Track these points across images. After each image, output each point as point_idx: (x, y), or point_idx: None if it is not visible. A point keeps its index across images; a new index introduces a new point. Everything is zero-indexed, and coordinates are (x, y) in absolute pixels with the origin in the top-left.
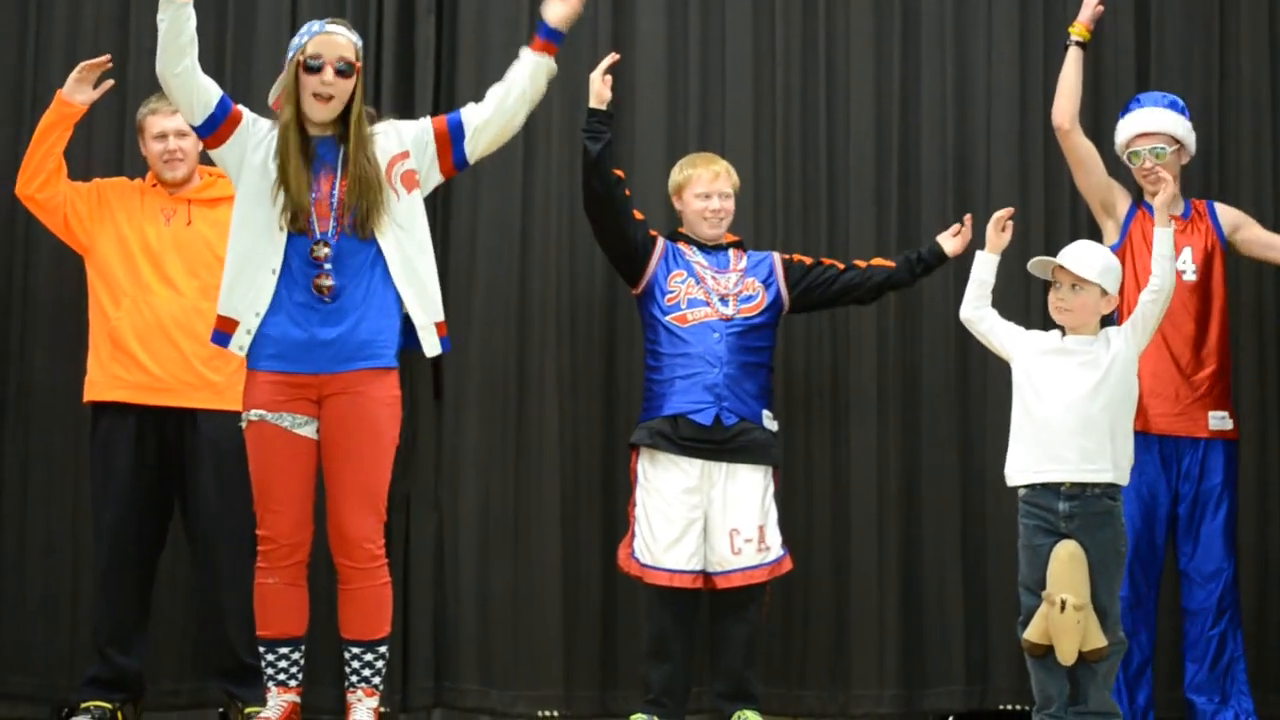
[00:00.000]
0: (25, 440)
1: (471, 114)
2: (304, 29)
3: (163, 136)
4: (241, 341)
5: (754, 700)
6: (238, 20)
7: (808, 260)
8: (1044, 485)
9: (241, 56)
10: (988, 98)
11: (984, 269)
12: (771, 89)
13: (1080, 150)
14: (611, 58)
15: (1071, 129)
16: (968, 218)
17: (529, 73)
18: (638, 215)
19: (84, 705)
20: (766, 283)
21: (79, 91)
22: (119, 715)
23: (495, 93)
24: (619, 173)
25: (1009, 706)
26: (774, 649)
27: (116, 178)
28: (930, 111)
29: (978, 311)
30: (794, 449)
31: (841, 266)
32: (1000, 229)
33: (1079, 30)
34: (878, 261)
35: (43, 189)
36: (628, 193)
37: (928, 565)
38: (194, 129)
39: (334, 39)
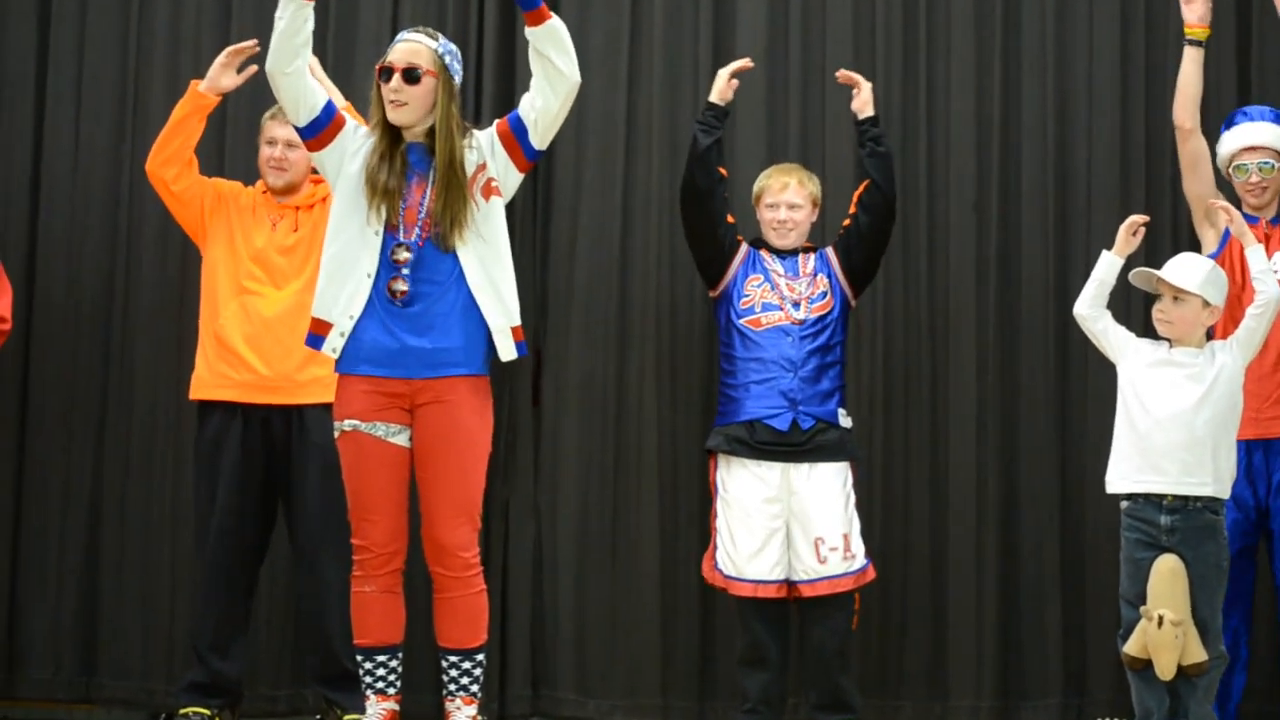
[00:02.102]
0: (125, 443)
1: (525, 107)
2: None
3: (273, 143)
4: (335, 344)
5: (851, 710)
6: (339, 25)
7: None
8: (1145, 498)
9: (343, 59)
10: (1088, 106)
11: (1107, 270)
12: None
13: (1197, 152)
14: (744, 63)
15: (1193, 129)
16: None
17: (539, 50)
18: (730, 219)
19: (182, 711)
20: (829, 276)
21: (224, 77)
22: None
23: (536, 75)
24: (723, 171)
25: (1108, 719)
26: (870, 658)
27: (232, 181)
28: (1031, 119)
29: (1093, 310)
30: (892, 454)
31: (848, 221)
32: (1132, 233)
33: (1194, 30)
34: (861, 189)
35: (177, 180)
36: (727, 195)
37: (1026, 575)
38: (298, 130)
39: (407, 46)
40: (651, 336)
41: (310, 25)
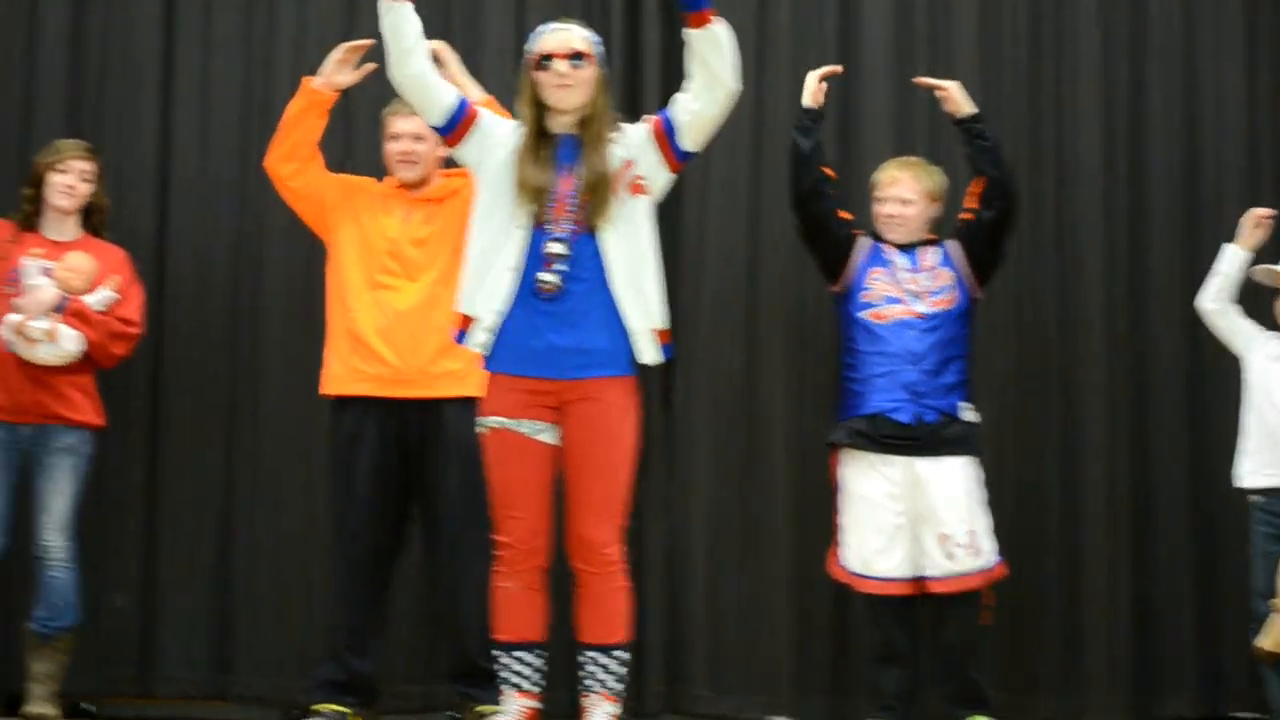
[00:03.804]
0: (257, 442)
1: (679, 109)
2: (534, 32)
3: (397, 137)
4: (480, 339)
5: (985, 705)
6: (465, 23)
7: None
8: (1275, 492)
9: (468, 59)
10: (1216, 101)
11: (1230, 263)
12: (999, 91)
13: None
14: (833, 68)
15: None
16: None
17: (698, 54)
18: (844, 215)
19: (315, 708)
20: (951, 269)
21: (339, 73)
22: (351, 718)
23: (693, 78)
24: (829, 171)
25: (1245, 714)
26: (1004, 654)
27: (362, 176)
28: (1158, 115)
29: (1218, 304)
30: (1023, 452)
31: (968, 215)
32: (1255, 225)
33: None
34: (972, 188)
35: (295, 176)
36: (834, 193)
37: (1160, 569)
38: (435, 129)
39: (562, 34)
40: (781, 334)
41: (412, 25)
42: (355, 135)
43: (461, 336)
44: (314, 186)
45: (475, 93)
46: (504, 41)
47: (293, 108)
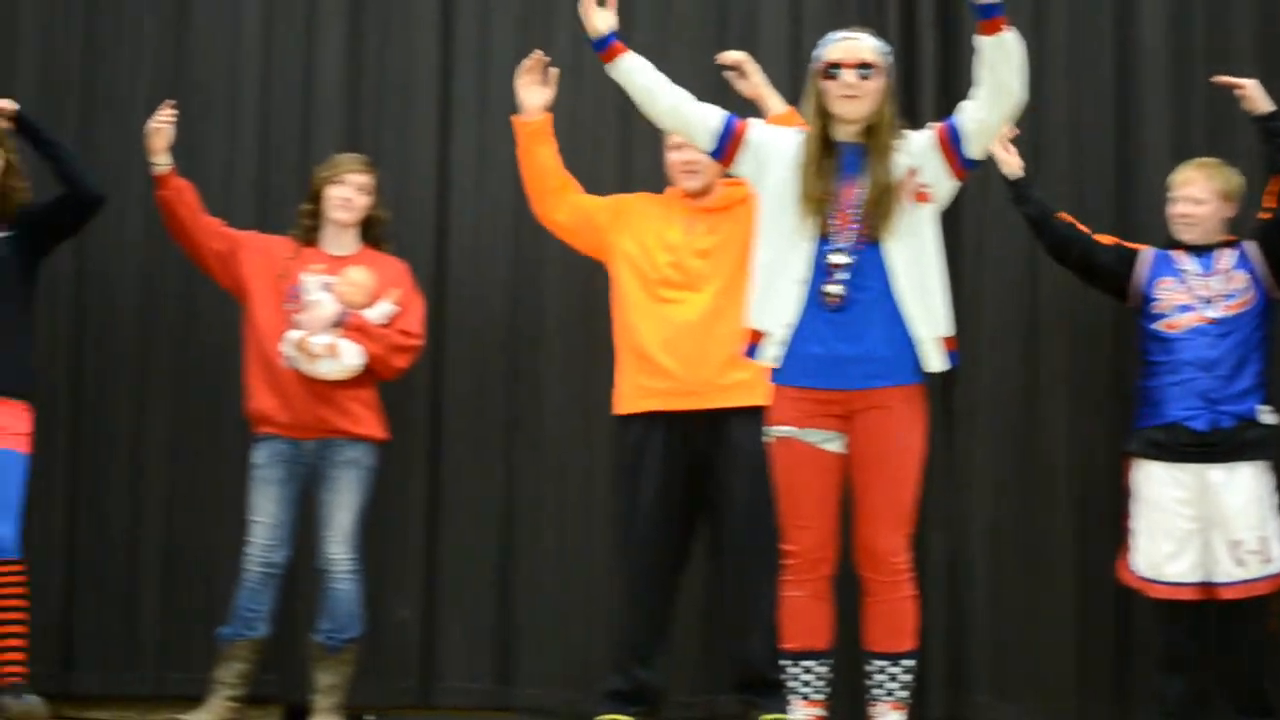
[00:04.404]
0: (539, 451)
1: (965, 117)
2: (823, 40)
3: (679, 147)
4: (772, 353)
5: (1272, 715)
6: (742, 31)
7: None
8: None
9: None
10: None
11: None
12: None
13: None
14: (1011, 131)
15: None
16: None
17: (988, 62)
18: (1104, 241)
19: (601, 718)
20: (1248, 271)
21: (530, 96)
22: None
23: (980, 86)
24: (1064, 217)
25: None
26: None
27: (641, 192)
28: None
29: None
30: None
31: (1266, 215)
32: None
33: None
34: (1271, 186)
35: (555, 211)
36: (1081, 233)
37: None
38: (708, 154)
39: (851, 43)
40: (1061, 341)
41: (640, 76)
42: (633, 148)
43: (752, 351)
44: (580, 214)
45: (776, 104)
46: (779, 50)
47: (518, 150)
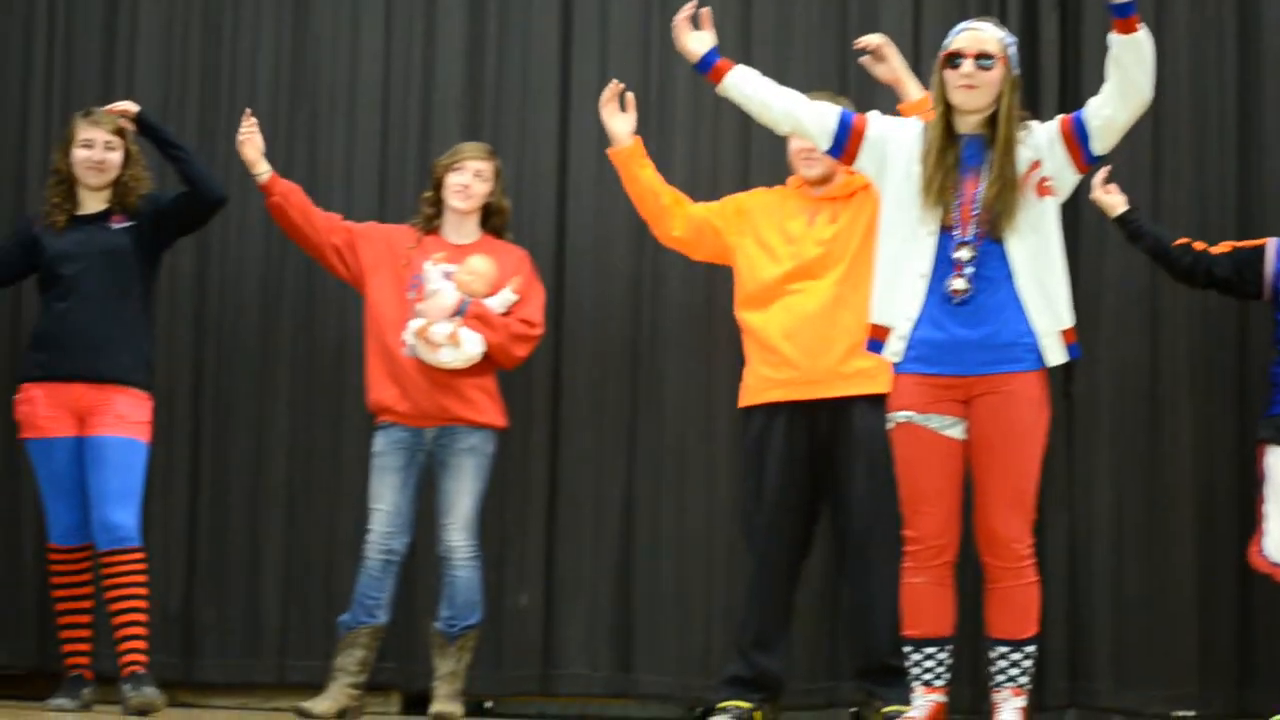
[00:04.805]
0: (659, 438)
1: (1091, 112)
2: (952, 30)
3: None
4: (895, 348)
5: None
6: (861, 20)
7: None
8: None
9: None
10: None
11: None
12: None
13: None
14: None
15: None
16: None
17: (1120, 60)
18: (1222, 248)
19: (721, 705)
20: None
21: (616, 124)
22: (756, 715)
23: (1110, 82)
24: (1183, 240)
25: None
26: None
27: (758, 188)
28: None
29: None
30: None
31: None
32: None
33: None
34: None
35: (674, 229)
36: (1199, 246)
37: None
38: (827, 153)
39: (974, 34)
40: (1184, 326)
41: (749, 87)
42: (752, 132)
43: (876, 346)
44: (697, 225)
45: (913, 90)
46: (901, 40)
47: (623, 180)
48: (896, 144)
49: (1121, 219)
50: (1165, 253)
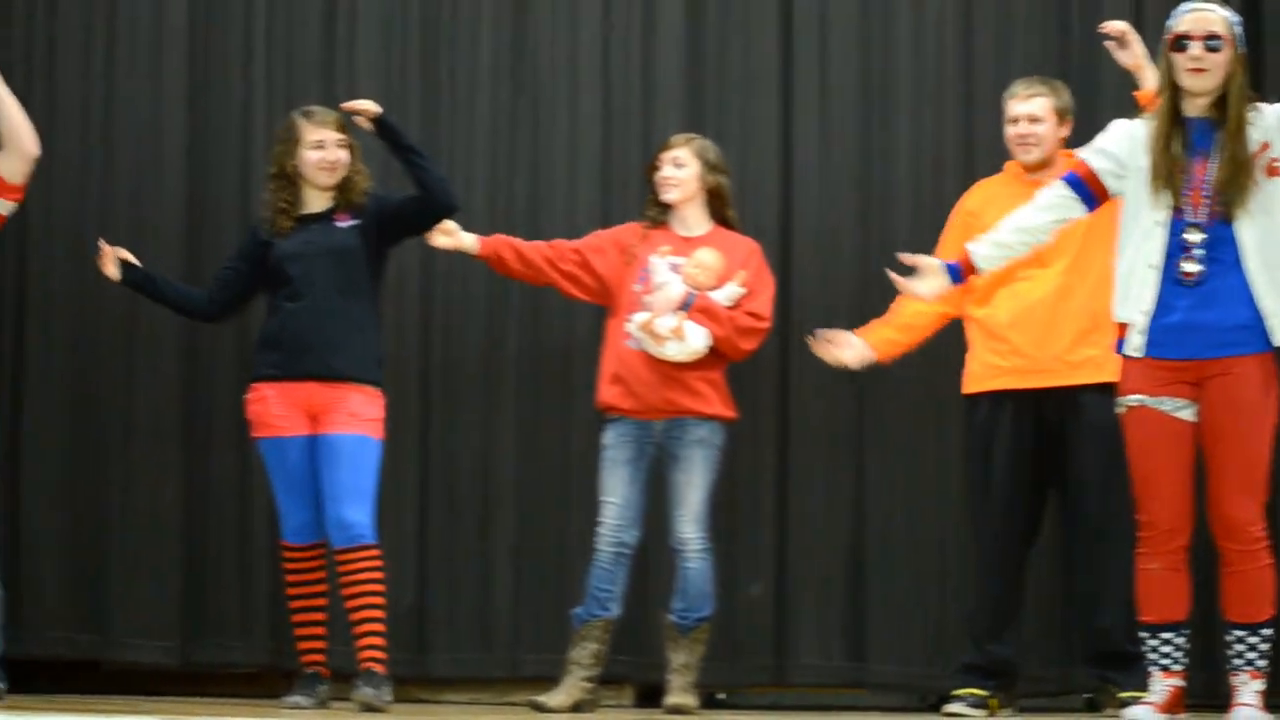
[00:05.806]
0: (889, 427)
1: None
2: (1174, 13)
3: (1015, 120)
4: (1136, 343)
5: None
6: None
7: None
8: None
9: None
10: None
11: None
12: None
13: None
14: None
15: None
16: None
17: None
18: None
19: (956, 692)
20: None
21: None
22: (991, 703)
23: None
24: None
25: None
26: None
27: (979, 180)
28: None
29: None
30: None
31: None
32: None
33: None
34: None
35: None
36: None
37: None
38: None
39: (1201, 14)
40: None
41: (1000, 249)
42: (974, 120)
43: (1119, 344)
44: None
45: (1150, 79)
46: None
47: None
48: (1125, 151)
49: None
50: None
